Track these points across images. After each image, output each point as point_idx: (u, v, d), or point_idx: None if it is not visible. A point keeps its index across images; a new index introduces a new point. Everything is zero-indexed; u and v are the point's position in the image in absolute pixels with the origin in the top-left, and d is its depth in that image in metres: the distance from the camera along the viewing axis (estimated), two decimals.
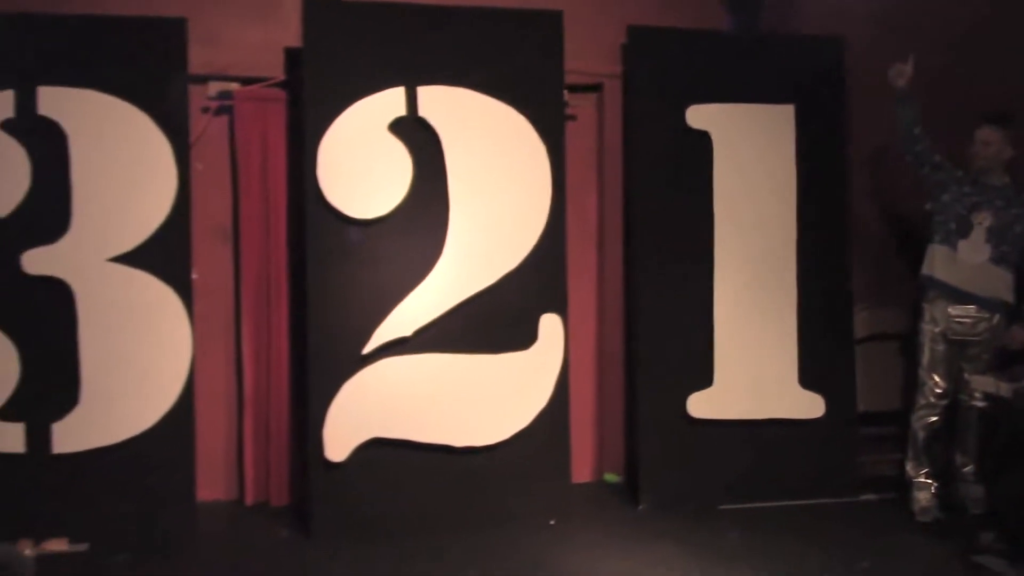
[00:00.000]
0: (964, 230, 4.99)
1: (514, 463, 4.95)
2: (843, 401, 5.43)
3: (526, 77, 5.02)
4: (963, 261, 4.99)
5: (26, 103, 4.67)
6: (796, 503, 5.26)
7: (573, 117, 5.45)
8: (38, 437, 4.64)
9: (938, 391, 5.08)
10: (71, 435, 4.68)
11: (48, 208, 4.68)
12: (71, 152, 4.71)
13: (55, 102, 4.70)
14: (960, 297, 5.00)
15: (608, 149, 5.62)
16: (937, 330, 5.07)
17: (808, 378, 5.36)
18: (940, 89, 5.36)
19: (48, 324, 4.69)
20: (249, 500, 5.23)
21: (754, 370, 5.31)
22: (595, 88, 5.61)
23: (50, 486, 4.66)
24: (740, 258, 5.33)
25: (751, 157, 5.35)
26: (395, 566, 4.45)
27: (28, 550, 4.28)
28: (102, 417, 4.71)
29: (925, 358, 5.11)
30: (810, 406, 5.36)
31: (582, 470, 5.55)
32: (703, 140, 5.32)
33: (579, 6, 5.23)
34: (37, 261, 4.66)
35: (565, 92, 5.26)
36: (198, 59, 4.97)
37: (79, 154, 4.72)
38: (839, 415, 5.40)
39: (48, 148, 4.69)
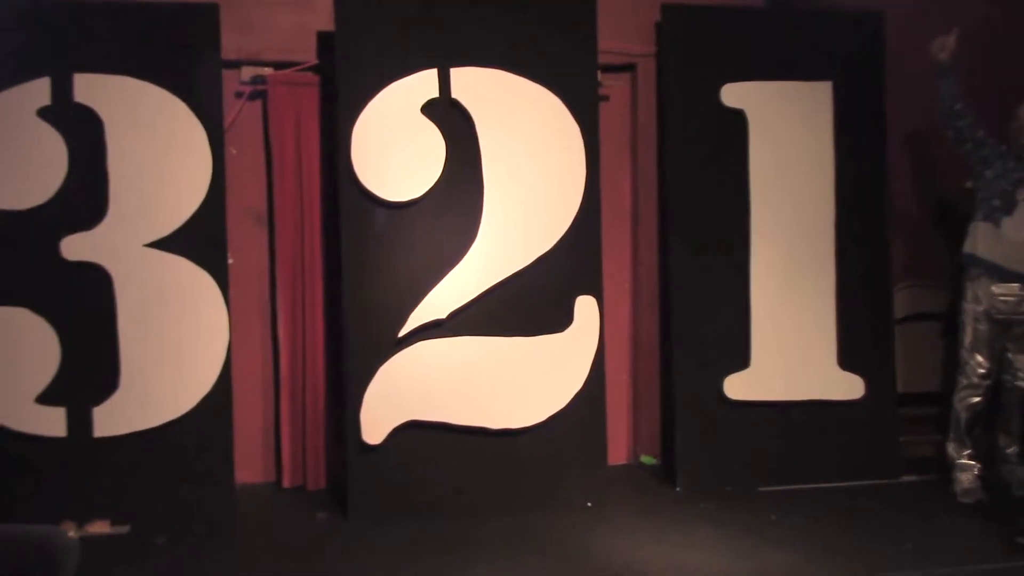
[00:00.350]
0: (1008, 207, 4.88)
1: (550, 446, 4.92)
2: (883, 382, 5.37)
3: (559, 57, 4.96)
4: (1007, 238, 4.88)
5: (62, 90, 4.72)
6: (835, 485, 5.21)
7: (606, 98, 5.41)
8: (79, 421, 4.70)
9: (981, 371, 5.00)
10: (111, 419, 4.73)
11: (85, 194, 4.73)
12: (107, 138, 4.75)
13: (91, 89, 4.75)
14: (1004, 275, 4.90)
15: (642, 129, 5.58)
16: (980, 309, 4.98)
17: (847, 359, 5.30)
18: (982, 64, 5.24)
19: (87, 309, 4.74)
20: (286, 483, 5.25)
21: (792, 351, 5.26)
22: (628, 68, 5.57)
23: (91, 470, 4.72)
24: (777, 238, 5.27)
25: (787, 135, 5.28)
26: (432, 548, 4.44)
27: (72, 532, 4.32)
28: (141, 401, 4.76)
29: (968, 338, 5.02)
30: (849, 387, 5.30)
31: (618, 452, 5.55)
32: (738, 119, 5.26)
33: None
34: (75, 247, 4.71)
35: (598, 72, 5.22)
36: (231, 44, 5.00)
37: (115, 140, 4.76)
38: (879, 396, 5.33)
39: (84, 135, 4.73)
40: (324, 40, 5.13)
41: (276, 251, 5.24)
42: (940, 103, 4.96)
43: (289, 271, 5.22)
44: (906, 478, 5.33)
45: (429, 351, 4.82)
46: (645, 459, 5.67)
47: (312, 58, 5.20)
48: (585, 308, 4.97)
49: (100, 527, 4.60)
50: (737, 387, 5.23)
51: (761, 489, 5.19)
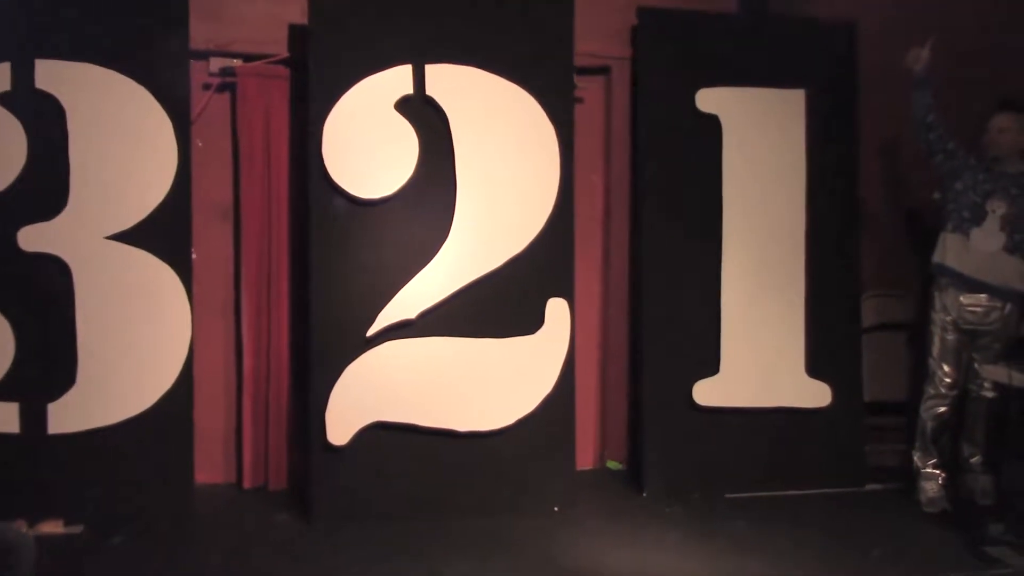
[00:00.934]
0: (978, 218, 4.92)
1: (518, 449, 4.88)
2: (850, 390, 5.39)
3: (536, 57, 4.92)
4: (976, 249, 4.92)
5: (23, 76, 4.60)
6: (802, 492, 5.23)
7: (580, 100, 5.35)
8: (33, 417, 4.59)
9: (948, 381, 5.03)
10: (67, 415, 4.63)
11: (45, 184, 4.62)
12: (69, 127, 4.63)
13: (53, 75, 4.63)
14: (972, 286, 4.94)
15: (615, 132, 5.56)
16: (948, 319, 5.01)
17: (815, 366, 5.30)
18: (955, 75, 5.28)
19: (44, 302, 4.64)
20: (247, 483, 5.16)
21: (761, 358, 5.26)
22: (603, 71, 5.55)
23: (45, 467, 4.61)
24: (748, 244, 5.27)
25: (761, 142, 5.29)
26: (396, 552, 4.39)
27: (24, 530, 4.21)
28: (99, 397, 4.66)
29: (935, 347, 5.05)
30: (817, 395, 5.31)
31: (584, 457, 5.51)
32: (712, 124, 5.26)
33: None
34: (33, 238, 4.60)
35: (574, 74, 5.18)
36: (200, 34, 4.91)
37: (77, 129, 4.65)
38: (846, 404, 5.35)
39: (45, 123, 4.62)
40: (296, 32, 5.06)
41: (242, 246, 5.13)
42: (913, 114, 5.00)
43: (255, 267, 5.13)
44: (871, 486, 5.36)
45: (398, 351, 4.77)
46: (611, 464, 5.65)
47: (283, 51, 5.11)
48: (556, 311, 4.94)
49: (53, 527, 4.49)
50: (706, 393, 5.23)
51: (728, 496, 5.18)
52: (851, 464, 5.38)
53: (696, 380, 5.21)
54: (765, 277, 5.28)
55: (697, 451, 5.25)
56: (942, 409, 5.07)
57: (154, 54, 4.73)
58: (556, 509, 4.91)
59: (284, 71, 5.13)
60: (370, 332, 4.73)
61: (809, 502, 5.14)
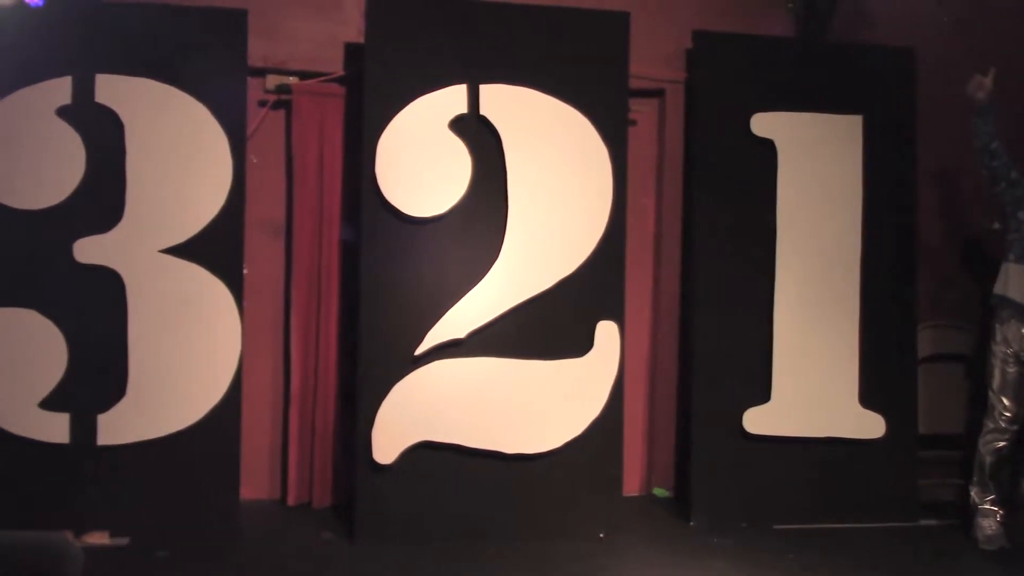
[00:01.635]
0: None
1: (565, 473, 4.85)
2: (904, 422, 5.29)
3: (590, 78, 4.93)
4: None
5: (84, 90, 4.68)
6: (854, 526, 5.14)
7: (633, 122, 5.35)
8: (83, 428, 4.62)
9: (1008, 415, 4.90)
10: (117, 427, 4.66)
11: (102, 197, 4.67)
12: (127, 141, 4.69)
13: (113, 90, 4.70)
14: None
15: (669, 155, 5.56)
16: (1009, 351, 4.89)
17: (868, 397, 5.22)
18: (1017, 103, 5.19)
19: (97, 314, 4.67)
20: (291, 500, 5.15)
21: (813, 387, 5.19)
22: (656, 93, 5.55)
23: (93, 478, 4.64)
24: (802, 270, 5.21)
25: (816, 167, 5.24)
26: (439, 574, 4.34)
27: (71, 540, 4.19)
28: (148, 410, 4.68)
29: (996, 380, 4.93)
30: (870, 426, 5.22)
31: (631, 483, 5.47)
32: (767, 149, 5.22)
33: (641, 10, 5.14)
34: (89, 250, 4.65)
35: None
36: (257, 51, 4.99)
37: (135, 143, 4.70)
38: (900, 436, 5.25)
39: (104, 136, 4.68)
40: (352, 51, 5.12)
41: (293, 263, 5.17)
42: (976, 142, 4.90)
43: (305, 284, 5.16)
44: (925, 521, 5.25)
45: (446, 370, 4.76)
46: (658, 491, 5.60)
47: (339, 69, 5.17)
48: (606, 334, 4.90)
49: (99, 538, 4.52)
50: (757, 421, 5.16)
51: (777, 527, 5.10)
52: (904, 498, 5.28)
53: (746, 408, 5.15)
54: (819, 305, 5.21)
55: (746, 480, 5.18)
56: (1001, 444, 4.94)
57: (213, 71, 4.78)
58: (602, 535, 4.85)
59: (339, 89, 5.18)
60: (419, 351, 4.72)
61: (860, 536, 5.04)
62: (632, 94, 5.18)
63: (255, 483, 5.16)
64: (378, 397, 4.69)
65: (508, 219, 4.81)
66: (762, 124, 5.21)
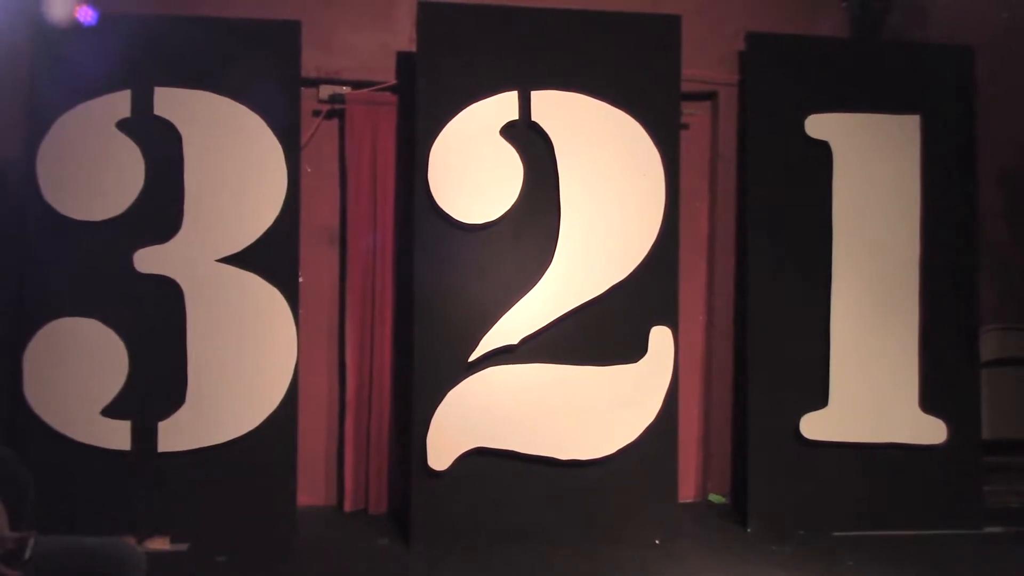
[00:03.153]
0: None
1: (620, 479, 4.84)
2: (967, 426, 5.19)
3: (642, 82, 4.92)
4: None
5: (143, 103, 4.76)
6: (915, 533, 5.05)
7: (685, 126, 5.31)
8: (144, 435, 4.69)
9: None
10: (176, 434, 4.72)
11: (161, 207, 4.75)
12: (185, 152, 4.76)
13: (171, 103, 4.79)
14: None
15: (722, 158, 5.52)
16: None
17: (930, 401, 5.14)
18: None
19: (157, 323, 4.74)
20: (348, 507, 5.18)
21: (872, 391, 5.12)
22: (709, 96, 5.51)
23: (154, 484, 4.71)
24: (859, 273, 5.14)
25: (873, 169, 5.17)
26: None
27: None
28: (207, 417, 4.74)
29: None
30: (931, 431, 5.13)
31: (687, 489, 5.44)
32: (822, 150, 5.16)
33: (692, 12, 5.11)
34: (149, 260, 4.72)
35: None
36: (310, 62, 5.04)
37: (192, 154, 4.78)
38: (962, 441, 5.15)
39: (162, 148, 4.75)
40: (404, 60, 5.15)
41: (347, 270, 5.22)
42: None
43: (359, 291, 5.20)
44: (990, 529, 5.13)
45: (500, 377, 4.78)
46: (714, 497, 5.54)
47: (391, 78, 5.23)
48: (660, 339, 4.88)
49: (159, 543, 4.58)
50: (814, 426, 5.10)
51: (835, 534, 5.04)
52: (967, 505, 5.17)
53: (804, 413, 5.10)
54: (877, 307, 5.15)
55: (804, 486, 5.12)
56: None
57: (266, 82, 4.84)
58: (657, 542, 4.83)
59: (391, 98, 5.22)
60: (472, 357, 4.74)
61: (921, 543, 4.95)
62: (684, 97, 5.17)
63: (312, 489, 5.19)
64: (433, 403, 4.72)
65: (560, 225, 4.82)
66: (817, 125, 5.16)
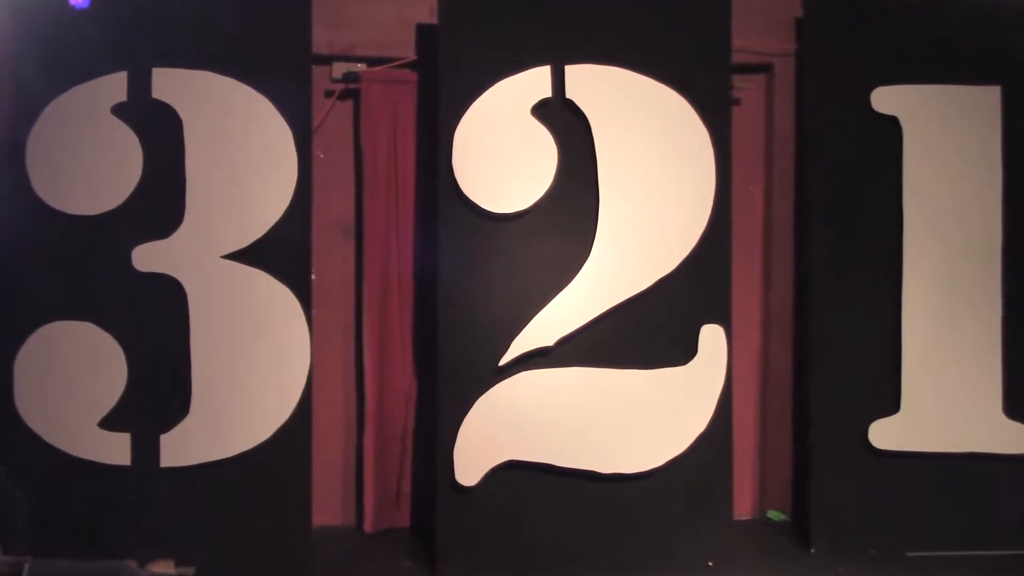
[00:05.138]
0: None
1: (668, 494, 4.66)
2: None
3: (688, 54, 4.78)
4: None
5: (140, 86, 4.61)
6: (999, 552, 4.80)
7: (737, 101, 5.15)
8: (145, 449, 4.53)
9: None
10: (180, 448, 4.56)
11: (160, 200, 4.62)
12: (186, 139, 4.61)
13: (170, 84, 4.64)
14: None
15: (778, 137, 5.37)
16: None
17: (1015, 406, 4.88)
18: None
19: (158, 326, 4.60)
20: (368, 527, 5.04)
21: (949, 395, 4.89)
22: (764, 68, 5.33)
23: (156, 502, 4.54)
24: (934, 264, 4.91)
25: (948, 146, 4.94)
26: None
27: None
28: (213, 429, 4.61)
29: None
30: (1016, 438, 4.88)
31: (742, 505, 5.28)
32: (891, 127, 4.92)
33: None
34: (148, 257, 4.55)
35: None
36: (322, 38, 4.87)
37: (194, 141, 4.64)
38: None
39: (161, 134, 4.63)
40: (424, 33, 5.00)
41: (364, 266, 5.09)
42: None
43: (377, 289, 5.06)
44: None
45: (533, 382, 4.62)
46: (772, 514, 5.36)
47: (410, 53, 5.08)
48: (711, 339, 4.69)
49: (164, 567, 4.36)
50: (885, 434, 4.88)
51: (910, 554, 4.83)
52: None
53: (873, 420, 4.88)
54: (954, 302, 4.92)
55: (873, 501, 4.92)
56: None
57: (275, 61, 4.69)
58: (710, 564, 4.65)
59: (411, 75, 5.10)
60: (503, 361, 4.60)
61: (1007, 564, 4.70)
62: (735, 70, 4.96)
63: (328, 508, 5.07)
64: (460, 412, 4.58)
65: (599, 213, 4.65)
66: (885, 99, 4.93)
